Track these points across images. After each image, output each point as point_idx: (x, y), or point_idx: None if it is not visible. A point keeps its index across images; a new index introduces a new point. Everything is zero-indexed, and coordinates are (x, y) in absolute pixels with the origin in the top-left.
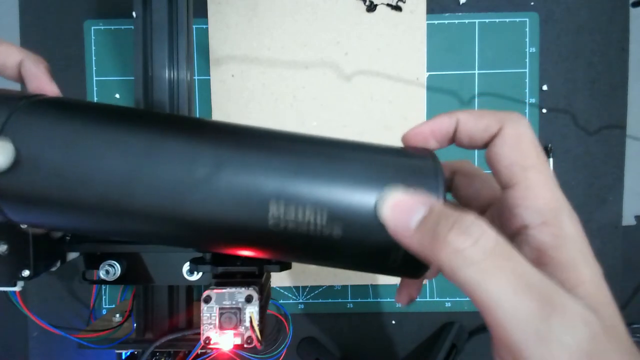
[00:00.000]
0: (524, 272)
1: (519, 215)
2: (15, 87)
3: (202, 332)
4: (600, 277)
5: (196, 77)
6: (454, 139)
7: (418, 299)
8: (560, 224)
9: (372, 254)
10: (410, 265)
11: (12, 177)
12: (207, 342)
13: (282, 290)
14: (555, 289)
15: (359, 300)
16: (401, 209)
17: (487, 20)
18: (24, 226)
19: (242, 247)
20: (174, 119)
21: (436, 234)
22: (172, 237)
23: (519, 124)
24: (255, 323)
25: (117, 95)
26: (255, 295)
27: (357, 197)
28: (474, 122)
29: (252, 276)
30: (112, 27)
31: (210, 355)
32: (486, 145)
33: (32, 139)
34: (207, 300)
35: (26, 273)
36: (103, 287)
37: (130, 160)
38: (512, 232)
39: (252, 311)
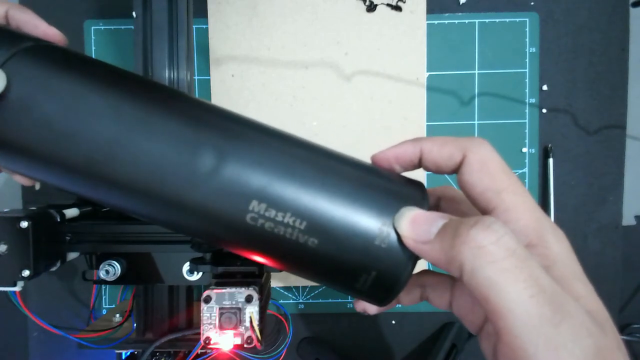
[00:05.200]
0: (538, 276)
1: None
2: None
3: (202, 332)
4: (594, 293)
5: (196, 77)
6: (420, 165)
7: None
8: (546, 243)
9: (343, 272)
10: (377, 290)
11: (1, 117)
12: (207, 342)
13: (282, 290)
14: (564, 296)
15: None
16: (421, 222)
17: (487, 20)
18: (24, 225)
19: (215, 236)
20: (179, 95)
21: (458, 232)
22: (149, 214)
23: (481, 149)
24: (255, 323)
25: None
26: (255, 295)
27: (341, 212)
28: (438, 151)
29: (252, 276)
30: (112, 27)
31: (210, 355)
32: (454, 171)
33: (28, 82)
34: (207, 300)
35: (26, 273)
36: (103, 287)
37: (120, 128)
38: None
39: (252, 311)
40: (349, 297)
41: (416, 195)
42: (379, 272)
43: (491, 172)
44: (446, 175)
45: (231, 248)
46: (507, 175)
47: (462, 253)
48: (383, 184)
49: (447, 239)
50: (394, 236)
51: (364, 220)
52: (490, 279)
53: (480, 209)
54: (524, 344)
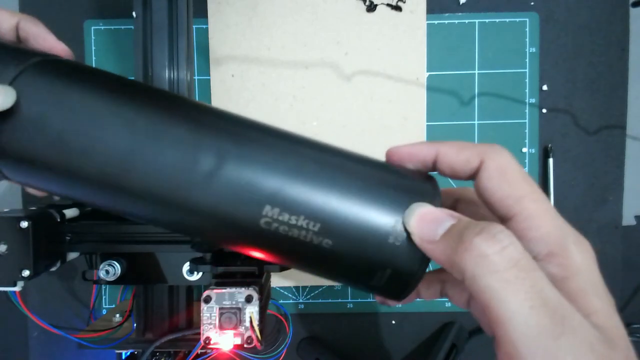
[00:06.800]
0: (542, 288)
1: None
2: None
3: (202, 332)
4: (611, 307)
5: (196, 77)
6: (434, 168)
7: (417, 299)
8: (567, 253)
9: (358, 271)
10: (393, 286)
11: (13, 133)
12: (207, 342)
13: (282, 290)
14: (570, 310)
15: (359, 300)
16: (429, 219)
17: (487, 20)
18: (24, 225)
19: (231, 241)
20: (184, 102)
21: (462, 238)
22: (164, 221)
23: (500, 156)
24: (255, 323)
25: None
26: (255, 295)
27: (353, 212)
28: (455, 155)
29: (252, 276)
30: (112, 27)
31: (210, 355)
32: (470, 177)
33: (39, 98)
34: (207, 300)
35: (26, 273)
36: (103, 287)
37: (134, 139)
38: None
39: (252, 311)
40: (350, 297)
41: (427, 189)
42: (393, 269)
43: (510, 179)
44: None
45: (246, 251)
46: (527, 183)
47: (464, 260)
48: (394, 180)
49: (451, 243)
50: (406, 234)
51: (377, 218)
52: (492, 287)
53: (499, 216)
54: (521, 354)
